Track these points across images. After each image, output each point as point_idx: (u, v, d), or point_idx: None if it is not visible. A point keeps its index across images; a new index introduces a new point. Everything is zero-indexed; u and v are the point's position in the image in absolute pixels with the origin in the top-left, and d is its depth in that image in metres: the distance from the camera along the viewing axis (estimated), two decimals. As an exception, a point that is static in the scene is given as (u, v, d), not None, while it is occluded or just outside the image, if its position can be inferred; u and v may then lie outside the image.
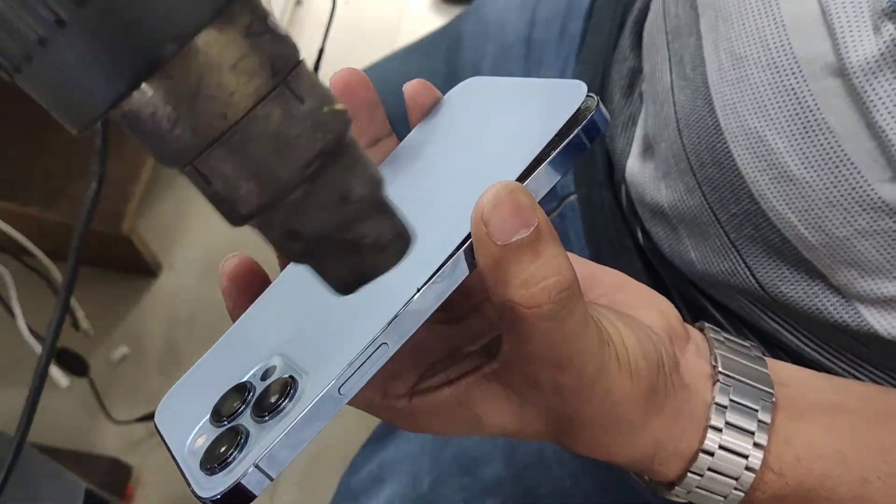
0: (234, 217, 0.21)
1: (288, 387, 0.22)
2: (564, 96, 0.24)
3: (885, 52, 0.29)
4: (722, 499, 0.29)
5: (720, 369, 0.30)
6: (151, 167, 1.14)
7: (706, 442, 0.29)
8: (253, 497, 0.21)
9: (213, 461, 0.22)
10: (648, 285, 0.46)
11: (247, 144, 0.20)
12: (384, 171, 0.27)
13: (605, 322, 0.27)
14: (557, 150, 0.23)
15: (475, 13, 0.66)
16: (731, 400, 0.29)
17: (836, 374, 0.40)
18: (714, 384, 0.29)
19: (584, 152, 0.24)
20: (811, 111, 0.33)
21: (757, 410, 0.29)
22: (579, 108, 0.24)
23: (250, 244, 1.38)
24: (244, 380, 0.24)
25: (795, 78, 0.33)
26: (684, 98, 0.40)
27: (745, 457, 0.28)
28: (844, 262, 0.35)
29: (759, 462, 0.29)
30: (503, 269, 0.22)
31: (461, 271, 0.23)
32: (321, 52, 0.78)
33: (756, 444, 0.29)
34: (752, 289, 0.40)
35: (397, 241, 0.22)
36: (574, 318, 0.24)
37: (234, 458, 0.22)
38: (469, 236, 0.23)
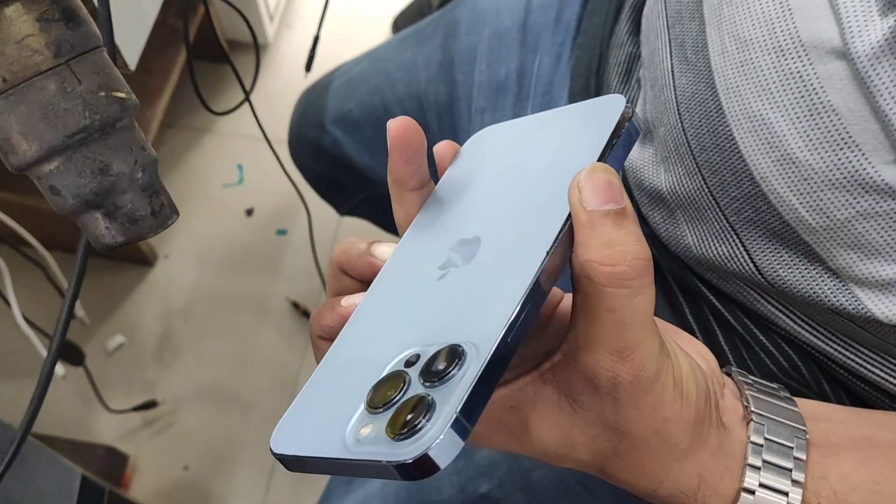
0: (9, 166, 0.26)
1: (456, 355, 0.22)
2: (599, 113, 0.26)
3: (891, 37, 0.30)
4: None
5: (753, 409, 0.30)
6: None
7: (746, 481, 0.29)
8: (447, 461, 0.20)
9: (401, 428, 0.21)
10: None
11: (20, 106, 0.25)
12: (430, 207, 0.30)
13: (666, 339, 0.27)
14: (609, 153, 0.26)
15: (470, 0, 0.66)
16: (766, 438, 0.29)
17: (833, 357, 0.40)
18: (748, 424, 0.30)
19: (625, 159, 0.26)
20: (816, 94, 0.33)
21: (792, 448, 0.29)
22: (619, 118, 0.26)
23: (246, 234, 1.38)
24: (386, 373, 0.24)
25: (801, 61, 0.33)
26: (685, 82, 0.40)
27: (786, 494, 0.29)
28: (844, 245, 0.35)
29: (798, 499, 0.29)
30: (588, 232, 0.24)
31: (568, 246, 0.25)
32: (316, 38, 0.77)
33: (794, 482, 0.29)
34: (749, 273, 0.40)
35: (153, 217, 0.28)
36: (644, 297, 0.25)
37: (423, 425, 0.20)
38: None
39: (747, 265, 0.40)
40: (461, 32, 0.65)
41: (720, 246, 0.41)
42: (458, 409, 0.20)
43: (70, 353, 0.93)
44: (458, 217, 0.29)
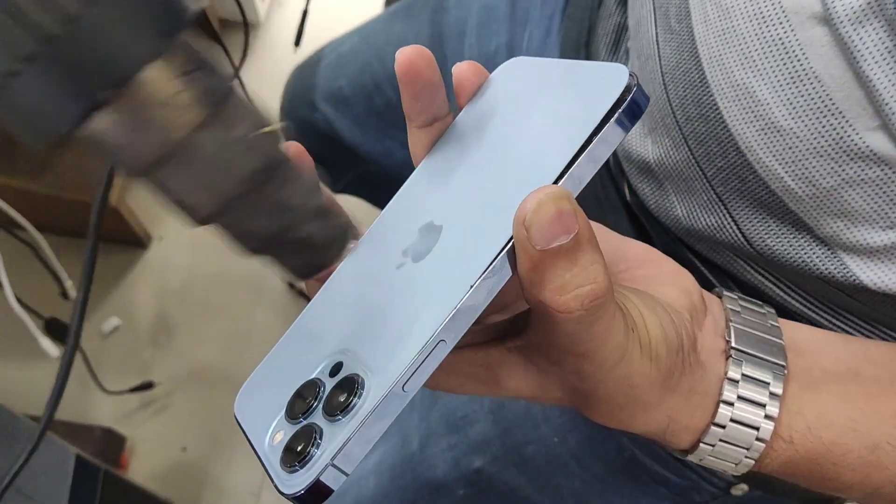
0: (194, 221, 0.26)
1: (355, 385, 0.24)
2: (606, 80, 0.25)
3: (872, 0, 0.29)
4: (733, 465, 0.30)
5: (733, 344, 0.30)
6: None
7: (718, 415, 0.29)
8: (331, 492, 0.22)
9: (293, 460, 0.23)
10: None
11: (184, 168, 0.24)
12: (435, 154, 0.29)
13: (630, 307, 0.27)
14: (599, 135, 0.24)
15: (459, -28, 0.65)
16: (743, 374, 0.29)
17: (823, 326, 0.40)
18: (727, 359, 0.30)
19: (627, 133, 0.24)
20: (799, 61, 0.33)
21: (769, 383, 0.29)
22: (622, 91, 0.24)
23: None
24: (313, 376, 0.26)
25: (783, 27, 0.33)
26: (669, 51, 0.40)
27: (756, 428, 0.29)
28: (831, 213, 0.35)
29: (769, 433, 0.29)
30: (540, 273, 0.23)
31: (507, 270, 0.24)
32: (305, 13, 0.76)
33: (767, 416, 0.29)
34: (738, 243, 0.40)
35: (338, 240, 0.28)
36: (603, 321, 0.24)
37: (312, 456, 0.23)
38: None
39: (736, 235, 0.40)
40: (450, 6, 0.64)
41: (708, 217, 0.41)
42: (331, 459, 0.22)
43: (64, 334, 0.93)
44: (439, 188, 0.28)
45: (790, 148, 0.34)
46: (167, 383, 1.17)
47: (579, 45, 0.53)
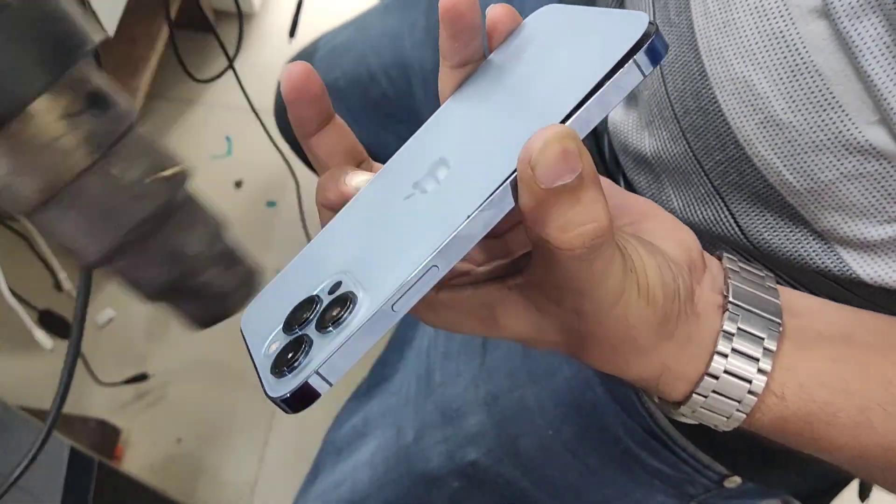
0: (80, 265, 0.24)
1: (348, 302, 0.25)
2: (626, 27, 0.25)
3: None
4: (725, 418, 0.30)
5: (731, 299, 0.30)
6: (132, 128, 1.12)
7: (712, 366, 0.29)
8: (314, 398, 0.24)
9: (282, 366, 0.24)
10: None
11: (69, 211, 0.22)
12: (459, 94, 0.30)
13: (630, 249, 0.27)
14: (612, 79, 0.24)
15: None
16: (738, 328, 0.29)
17: None
18: (724, 313, 0.30)
19: (641, 79, 0.24)
20: (799, 54, 0.32)
21: (763, 339, 0.29)
22: (639, 38, 0.24)
23: (235, 206, 1.37)
24: (314, 293, 0.27)
25: (784, 21, 0.33)
26: (669, 44, 0.40)
27: (749, 381, 0.29)
28: (829, 207, 0.35)
29: (762, 386, 0.29)
30: (543, 210, 0.23)
31: (507, 203, 0.24)
32: (300, 4, 0.76)
33: (760, 370, 0.29)
34: (734, 237, 0.40)
35: (241, 288, 0.27)
36: (603, 259, 0.25)
37: (300, 364, 0.24)
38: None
39: (733, 229, 0.40)
40: (446, -3, 0.64)
41: (705, 210, 0.41)
42: (317, 368, 0.23)
43: (58, 326, 0.93)
44: (456, 126, 0.29)
45: (789, 141, 0.34)
46: (162, 375, 1.17)
47: None
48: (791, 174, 0.35)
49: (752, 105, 0.35)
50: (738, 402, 0.29)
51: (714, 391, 0.29)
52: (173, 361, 1.19)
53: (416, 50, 0.65)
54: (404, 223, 0.26)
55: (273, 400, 0.24)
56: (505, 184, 0.24)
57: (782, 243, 0.38)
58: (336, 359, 0.23)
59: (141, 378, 1.13)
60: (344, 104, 0.71)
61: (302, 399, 0.23)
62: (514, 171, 0.24)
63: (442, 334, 0.57)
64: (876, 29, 0.30)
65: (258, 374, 0.26)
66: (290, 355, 0.25)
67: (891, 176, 0.32)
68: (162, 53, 1.18)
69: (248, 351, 0.28)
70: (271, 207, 1.32)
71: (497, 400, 0.51)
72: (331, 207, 0.30)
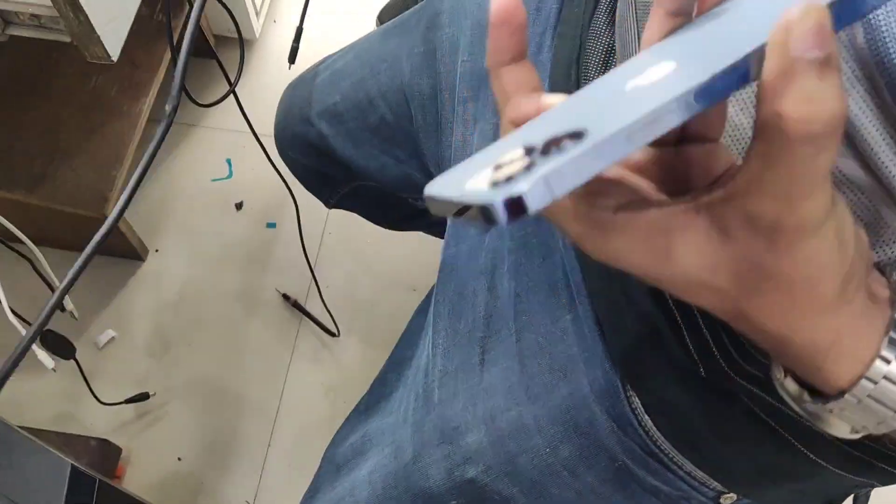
0: None
1: (579, 134, 0.23)
2: None
3: (841, 33, 0.30)
4: (892, 413, 0.28)
5: None
6: (135, 150, 1.13)
7: (883, 351, 0.28)
8: (527, 211, 0.21)
9: (502, 178, 0.22)
10: (618, 273, 0.47)
11: None
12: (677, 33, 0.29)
13: (834, 193, 0.26)
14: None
15: (452, -9, 0.67)
16: None
17: None
18: (893, 306, 0.29)
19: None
20: None
21: None
22: None
23: (236, 227, 1.38)
24: (529, 144, 0.24)
25: None
26: None
27: None
28: None
29: None
30: (787, 80, 0.22)
31: (746, 75, 0.23)
32: (299, 30, 0.78)
33: None
34: None
35: None
36: (829, 154, 0.23)
37: (520, 178, 0.22)
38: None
39: None
40: (443, 24, 0.65)
41: None
42: (547, 173, 0.21)
43: (60, 347, 0.93)
44: (685, 37, 0.28)
45: None
46: (162, 394, 1.17)
47: (570, 63, 0.54)
48: None
49: (733, 137, 0.36)
50: None
51: (885, 377, 0.28)
52: (173, 381, 1.20)
53: (414, 75, 0.66)
54: (647, 89, 0.24)
55: (488, 207, 0.22)
56: (750, 53, 0.23)
57: None
58: (566, 167, 0.22)
59: (142, 397, 1.13)
60: (343, 127, 0.72)
61: (518, 207, 0.21)
62: (759, 45, 0.23)
63: (439, 353, 0.57)
64: (848, 63, 0.30)
65: (460, 204, 0.23)
66: (508, 171, 0.22)
67: (862, 204, 0.33)
68: (163, 78, 1.20)
69: (440, 198, 0.25)
70: (271, 228, 1.33)
71: (495, 418, 0.52)
72: (521, 122, 0.28)
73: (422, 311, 0.69)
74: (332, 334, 1.25)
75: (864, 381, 0.28)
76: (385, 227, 0.89)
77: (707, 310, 0.29)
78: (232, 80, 0.65)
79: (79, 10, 0.58)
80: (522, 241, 0.54)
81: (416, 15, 0.69)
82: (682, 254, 0.27)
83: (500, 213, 0.21)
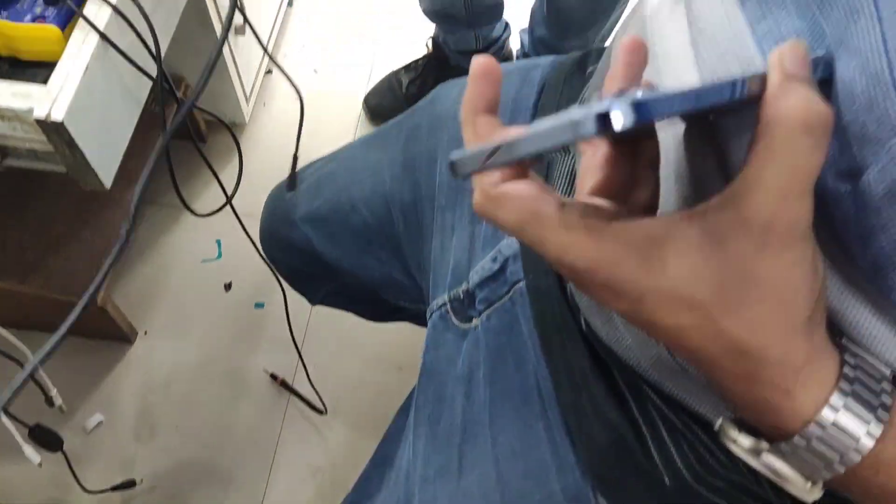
0: None
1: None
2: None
3: None
4: (860, 437, 0.29)
5: (846, 358, 0.30)
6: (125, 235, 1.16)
7: (833, 398, 0.29)
8: (620, 127, 0.23)
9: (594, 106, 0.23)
10: (592, 368, 0.49)
11: None
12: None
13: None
14: None
15: (430, 107, 0.71)
16: (856, 375, 0.30)
17: None
18: (841, 361, 0.30)
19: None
20: None
21: (879, 392, 0.29)
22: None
23: (225, 307, 1.39)
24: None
25: None
26: None
27: (867, 422, 0.29)
28: None
29: (880, 429, 0.29)
30: (788, 84, 0.27)
31: (742, 87, 0.27)
32: (295, 158, 0.81)
33: (882, 406, 0.29)
34: (687, 370, 0.43)
35: None
36: (820, 155, 0.26)
37: (607, 103, 0.23)
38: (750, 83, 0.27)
39: (682, 364, 0.43)
40: (422, 137, 0.69)
41: (656, 346, 0.44)
42: (635, 99, 0.23)
43: (48, 440, 0.94)
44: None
45: None
46: (149, 479, 1.17)
47: (541, 176, 0.57)
48: None
49: None
50: (870, 422, 0.29)
51: (835, 423, 0.29)
52: (161, 465, 1.20)
53: (395, 184, 0.70)
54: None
55: (592, 123, 0.23)
56: (751, 77, 0.27)
57: None
58: (661, 98, 0.23)
59: (129, 485, 1.13)
60: (327, 230, 0.75)
61: (606, 124, 0.23)
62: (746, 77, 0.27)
63: (419, 458, 0.59)
64: None
65: (547, 126, 0.25)
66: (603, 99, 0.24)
67: None
68: (155, 163, 1.23)
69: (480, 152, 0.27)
70: (259, 308, 1.35)
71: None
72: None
73: (404, 410, 0.71)
74: (320, 412, 1.26)
75: (833, 402, 0.29)
76: (369, 320, 0.92)
77: (680, 337, 0.29)
78: (229, 194, 0.68)
79: (74, 147, 0.61)
80: (497, 350, 0.57)
81: (397, 127, 0.73)
82: (673, 264, 0.28)
83: (624, 117, 0.23)
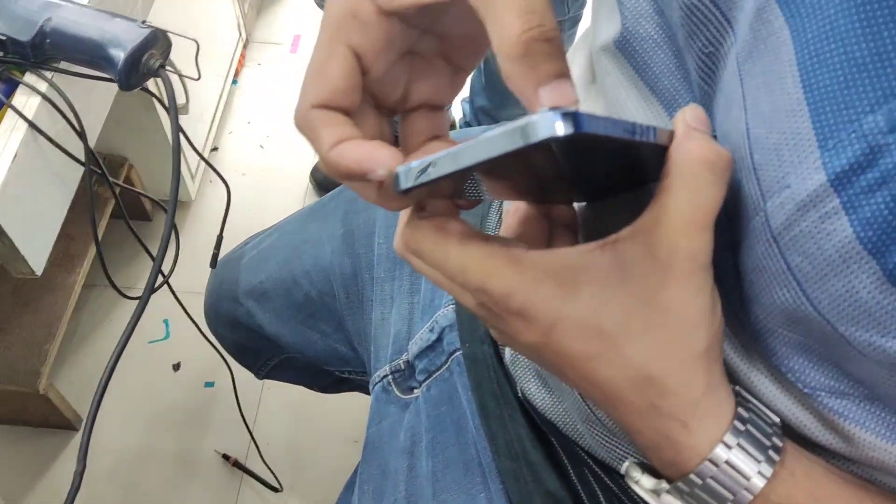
0: None
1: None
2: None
3: None
4: (760, 460, 0.30)
5: (738, 403, 0.31)
6: (66, 324, 1.14)
7: (727, 436, 0.30)
8: (570, 128, 0.24)
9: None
10: (530, 436, 0.50)
11: None
12: None
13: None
14: None
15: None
16: (748, 409, 0.31)
17: None
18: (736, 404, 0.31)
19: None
20: None
21: (771, 434, 0.31)
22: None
23: (174, 388, 1.37)
24: None
25: None
26: None
27: (759, 462, 0.30)
28: None
29: (780, 442, 0.30)
30: (692, 134, 0.28)
31: (656, 132, 0.28)
32: (220, 238, 0.82)
33: (774, 447, 0.30)
34: (623, 450, 0.43)
35: None
36: (720, 192, 0.28)
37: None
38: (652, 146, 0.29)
39: (621, 447, 0.43)
40: (360, 208, 0.70)
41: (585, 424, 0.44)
42: (568, 111, 0.24)
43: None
44: None
45: None
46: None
47: None
48: None
49: None
50: (760, 461, 0.30)
51: (728, 462, 0.30)
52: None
53: (335, 256, 0.70)
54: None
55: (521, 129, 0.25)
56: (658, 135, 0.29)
57: None
58: (599, 117, 0.25)
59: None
60: (270, 305, 0.75)
61: (573, 120, 0.24)
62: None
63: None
64: None
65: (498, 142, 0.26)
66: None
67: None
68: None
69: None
70: (209, 388, 1.33)
71: None
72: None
73: (349, 486, 0.70)
74: (275, 490, 1.23)
75: (733, 429, 0.30)
76: (318, 392, 0.91)
77: (588, 368, 0.30)
78: (165, 273, 0.68)
79: (3, 235, 0.61)
80: (438, 421, 0.57)
81: (335, 200, 0.74)
82: (585, 292, 0.29)
83: (563, 126, 0.24)
